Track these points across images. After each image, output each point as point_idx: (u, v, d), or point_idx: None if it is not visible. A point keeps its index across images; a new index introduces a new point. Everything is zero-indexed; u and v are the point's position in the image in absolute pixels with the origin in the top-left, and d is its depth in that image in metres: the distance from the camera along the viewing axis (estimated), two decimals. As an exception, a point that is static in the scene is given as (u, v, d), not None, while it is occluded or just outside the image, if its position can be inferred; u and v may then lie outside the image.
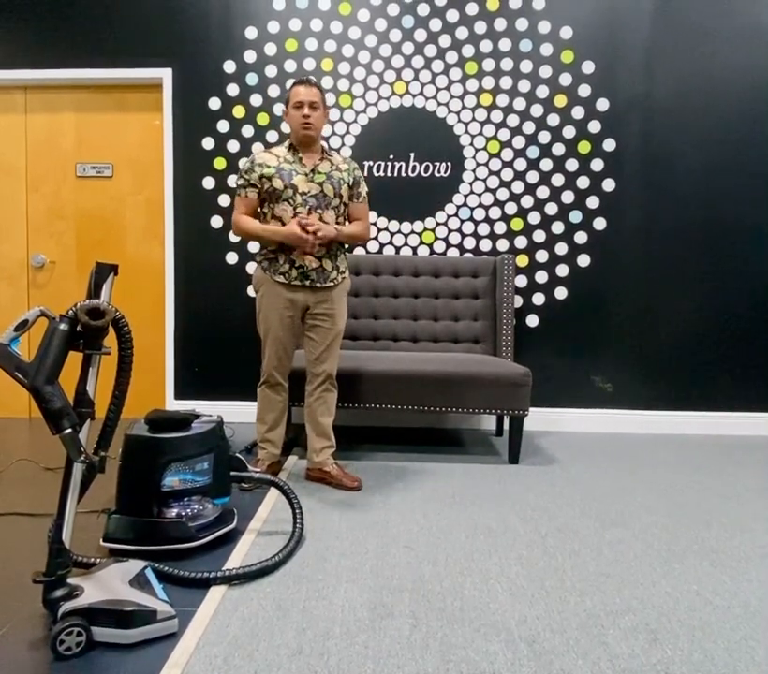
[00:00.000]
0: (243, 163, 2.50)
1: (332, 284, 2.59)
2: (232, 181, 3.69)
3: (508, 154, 3.66)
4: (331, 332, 2.61)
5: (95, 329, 1.45)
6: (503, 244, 3.71)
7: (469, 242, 3.72)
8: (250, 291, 3.67)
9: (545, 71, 3.61)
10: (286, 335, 2.58)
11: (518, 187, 3.67)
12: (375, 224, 3.71)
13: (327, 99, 2.66)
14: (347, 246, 2.73)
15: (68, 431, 1.39)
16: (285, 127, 3.67)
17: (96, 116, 3.80)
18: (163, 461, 1.91)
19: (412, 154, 3.68)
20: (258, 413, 2.70)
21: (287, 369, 2.66)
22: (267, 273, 2.56)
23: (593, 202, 3.66)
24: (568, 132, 3.63)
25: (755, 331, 3.68)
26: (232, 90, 3.66)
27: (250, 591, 1.71)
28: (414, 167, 3.69)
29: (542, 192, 3.67)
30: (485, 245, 3.71)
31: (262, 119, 3.67)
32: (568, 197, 3.66)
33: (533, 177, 3.67)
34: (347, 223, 2.66)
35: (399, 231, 3.72)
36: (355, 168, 2.65)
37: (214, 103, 3.67)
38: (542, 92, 3.62)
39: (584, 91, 3.61)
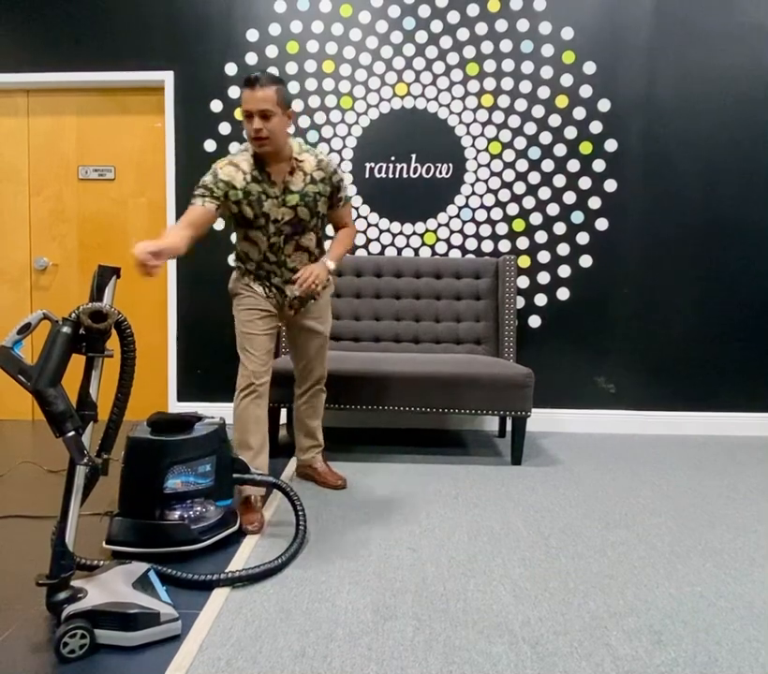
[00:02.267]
0: (206, 174, 2.17)
1: (313, 301, 2.46)
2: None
3: (509, 155, 3.66)
4: (318, 339, 2.53)
5: (97, 331, 1.45)
6: (505, 245, 3.70)
7: (471, 243, 3.72)
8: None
9: (546, 72, 3.60)
10: (268, 337, 2.37)
11: (520, 188, 3.67)
12: (376, 225, 3.71)
13: (288, 95, 2.17)
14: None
15: (71, 433, 1.39)
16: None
17: (98, 119, 3.80)
18: (165, 464, 1.91)
19: (414, 156, 3.68)
20: (238, 435, 2.29)
21: (270, 376, 2.39)
22: (246, 279, 2.36)
23: (595, 203, 3.66)
24: (570, 133, 3.63)
25: (757, 331, 3.67)
26: (234, 92, 3.67)
27: (253, 593, 1.71)
28: (415, 168, 3.69)
29: (544, 193, 3.67)
30: (487, 246, 3.71)
31: (264, 121, 3.67)
32: (569, 197, 3.66)
33: (534, 178, 3.66)
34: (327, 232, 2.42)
35: (401, 232, 3.72)
36: (332, 173, 2.28)
37: (216, 105, 3.68)
38: (544, 93, 3.62)
39: (586, 91, 3.61)
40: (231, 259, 3.76)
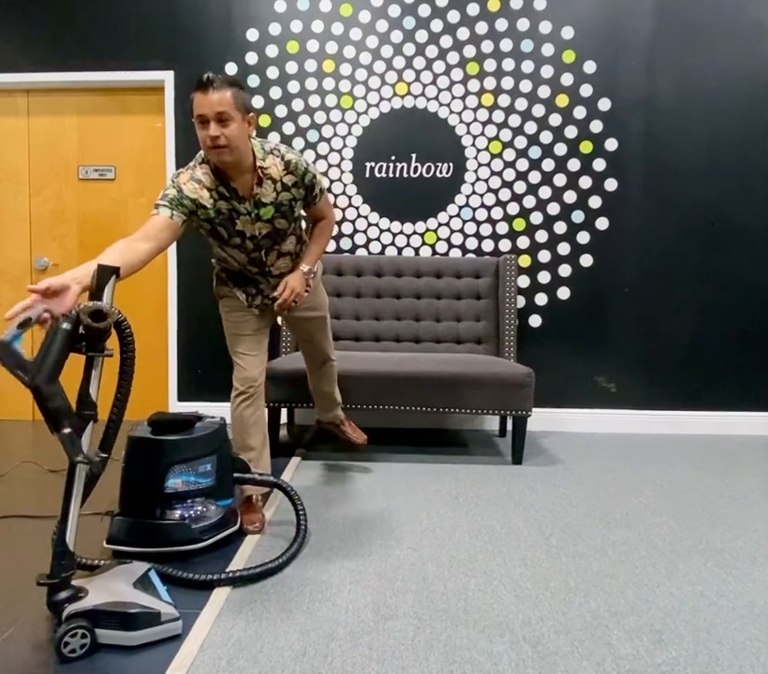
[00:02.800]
0: (166, 187, 1.95)
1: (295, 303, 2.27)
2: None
3: (510, 155, 3.66)
4: (316, 321, 2.47)
5: (97, 331, 1.45)
6: (505, 245, 3.70)
7: (471, 243, 3.71)
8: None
9: (547, 71, 3.60)
10: (259, 337, 2.30)
11: (520, 187, 3.67)
12: (376, 224, 3.71)
13: (247, 99, 1.93)
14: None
15: (67, 430, 1.39)
16: (287, 129, 3.68)
17: (98, 119, 3.80)
18: (166, 463, 1.91)
19: (414, 155, 3.68)
20: (238, 438, 2.24)
21: (264, 375, 2.33)
22: (227, 286, 2.27)
23: (595, 202, 3.65)
24: (570, 132, 3.63)
25: (758, 331, 3.66)
26: (234, 92, 3.66)
27: (254, 593, 1.71)
28: (416, 167, 3.68)
29: (544, 192, 3.66)
30: (487, 246, 3.71)
31: (264, 120, 3.67)
32: (570, 197, 3.66)
33: (535, 177, 3.66)
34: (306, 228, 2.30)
35: (401, 232, 3.72)
36: (304, 174, 2.04)
37: (216, 105, 3.67)
38: (544, 92, 3.61)
39: (586, 91, 3.60)
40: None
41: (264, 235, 2.09)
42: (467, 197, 3.69)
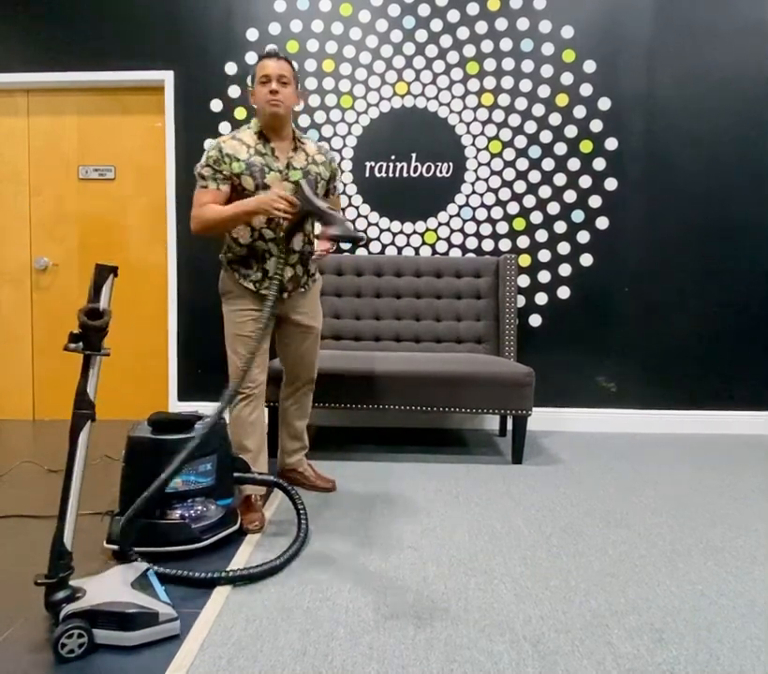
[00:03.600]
0: (208, 150, 2.18)
1: (303, 289, 2.37)
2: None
3: (509, 154, 3.66)
4: (309, 336, 2.44)
5: (94, 329, 1.45)
6: (505, 244, 3.70)
7: (471, 242, 3.71)
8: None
9: (547, 71, 3.60)
10: (262, 339, 2.12)
11: (520, 187, 3.67)
12: (376, 224, 3.71)
13: (300, 80, 2.29)
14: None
15: None
16: (286, 129, 3.68)
17: (98, 119, 3.80)
18: (166, 463, 1.90)
19: (414, 155, 3.68)
20: (236, 439, 2.25)
21: (265, 376, 2.34)
22: (236, 276, 2.27)
23: (595, 201, 3.65)
24: (570, 131, 3.63)
25: (759, 330, 3.66)
26: (234, 92, 3.67)
27: (254, 592, 1.71)
28: (416, 167, 3.68)
29: (544, 191, 3.66)
30: (487, 245, 3.71)
31: (264, 120, 3.67)
32: (570, 196, 3.66)
33: (535, 176, 3.66)
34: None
35: (401, 232, 3.72)
36: (332, 160, 2.37)
37: (216, 105, 3.68)
38: (544, 91, 3.61)
39: (586, 90, 3.60)
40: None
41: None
42: (467, 196, 3.69)
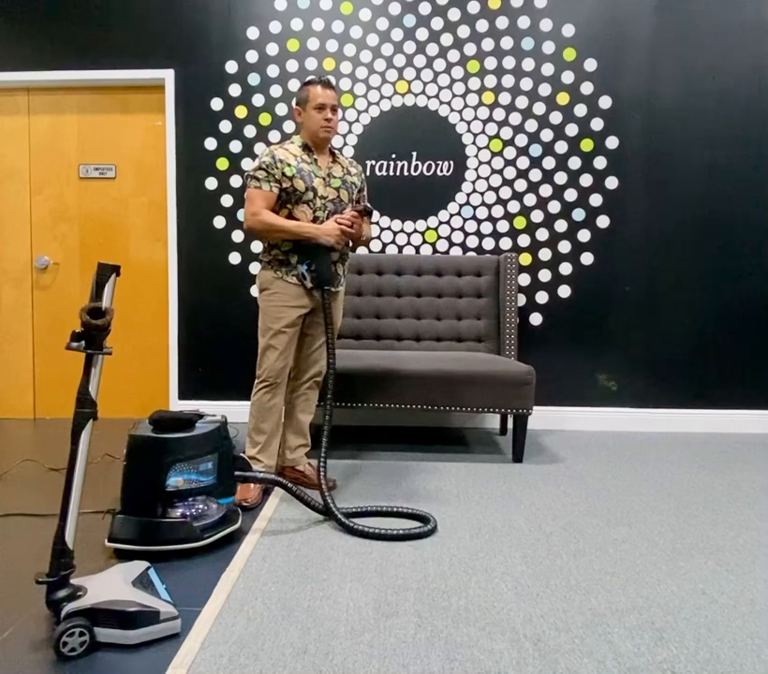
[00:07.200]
0: (262, 156, 2.41)
1: (341, 288, 2.60)
2: (235, 181, 3.69)
3: (510, 153, 3.65)
4: (334, 325, 2.50)
5: (96, 328, 1.45)
6: (506, 243, 3.70)
7: (472, 241, 3.71)
8: (253, 291, 3.66)
9: (547, 69, 3.60)
10: (294, 334, 2.48)
11: (521, 185, 3.67)
12: (377, 223, 3.71)
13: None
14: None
15: None
16: (288, 127, 3.68)
17: (99, 117, 3.80)
18: (167, 461, 1.91)
19: (414, 153, 3.68)
20: (253, 421, 2.49)
21: (288, 368, 2.53)
22: (278, 273, 2.45)
23: (596, 200, 3.65)
24: (571, 130, 3.62)
25: (760, 329, 3.66)
26: (234, 90, 3.66)
27: (255, 590, 1.71)
28: (416, 165, 3.68)
29: (545, 190, 3.66)
30: (488, 244, 3.71)
31: (264, 119, 3.67)
32: (570, 195, 3.65)
33: (535, 175, 3.66)
34: None
35: (402, 230, 3.72)
36: (361, 172, 2.67)
37: (216, 104, 3.68)
38: (545, 90, 3.61)
39: (587, 88, 3.60)
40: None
41: (331, 199, 2.48)
42: (468, 195, 3.68)
